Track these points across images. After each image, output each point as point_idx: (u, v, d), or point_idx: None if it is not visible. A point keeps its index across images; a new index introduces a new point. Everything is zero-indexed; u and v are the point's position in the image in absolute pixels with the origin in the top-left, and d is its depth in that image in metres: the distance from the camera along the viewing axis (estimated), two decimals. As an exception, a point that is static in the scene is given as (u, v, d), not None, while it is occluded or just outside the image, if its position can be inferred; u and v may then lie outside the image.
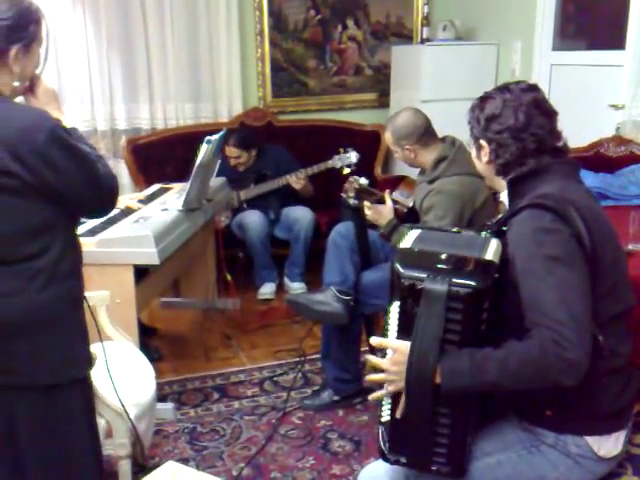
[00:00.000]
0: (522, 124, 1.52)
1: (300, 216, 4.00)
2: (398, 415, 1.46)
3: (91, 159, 1.53)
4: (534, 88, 1.58)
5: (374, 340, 1.48)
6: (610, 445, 1.47)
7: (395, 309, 1.44)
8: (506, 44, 4.28)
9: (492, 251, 1.46)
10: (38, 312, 1.50)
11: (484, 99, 1.59)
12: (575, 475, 1.48)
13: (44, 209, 1.48)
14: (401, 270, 1.42)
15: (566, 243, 1.37)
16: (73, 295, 1.59)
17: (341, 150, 2.93)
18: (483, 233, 1.58)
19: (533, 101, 1.54)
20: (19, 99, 1.59)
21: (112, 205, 1.65)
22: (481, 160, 1.62)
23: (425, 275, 1.38)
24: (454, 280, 1.36)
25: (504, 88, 1.58)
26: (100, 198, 1.58)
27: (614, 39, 3.54)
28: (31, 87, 1.61)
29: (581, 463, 1.46)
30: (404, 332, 1.42)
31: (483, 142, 1.58)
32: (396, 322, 1.45)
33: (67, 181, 1.48)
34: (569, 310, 1.32)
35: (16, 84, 1.53)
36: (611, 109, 3.46)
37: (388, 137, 2.69)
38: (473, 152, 1.66)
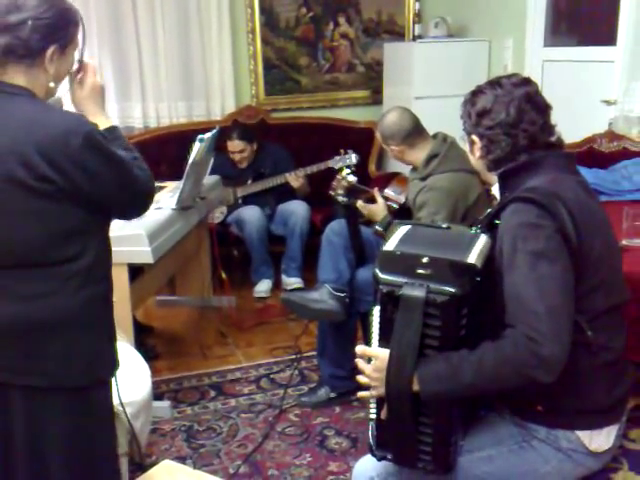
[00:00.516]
0: (513, 120, 1.51)
1: (295, 210, 4.00)
2: (382, 417, 1.47)
3: (127, 164, 1.51)
4: (527, 82, 1.56)
5: (358, 349, 1.50)
6: (601, 440, 1.48)
7: (376, 314, 1.44)
8: (498, 41, 4.30)
9: (477, 251, 1.44)
10: (73, 313, 1.50)
11: (475, 93, 1.58)
12: (566, 469, 1.49)
13: (78, 214, 1.47)
14: (380, 275, 1.41)
15: (550, 238, 1.37)
16: (106, 297, 1.59)
17: (342, 151, 2.96)
18: (474, 229, 1.58)
19: (525, 96, 1.52)
20: (63, 85, 1.58)
21: (146, 208, 1.65)
22: (474, 155, 1.62)
23: (403, 281, 1.37)
24: (432, 286, 1.35)
25: (496, 82, 1.56)
26: (134, 202, 1.58)
27: (605, 35, 3.56)
28: (80, 77, 1.60)
29: (572, 457, 1.47)
30: (385, 337, 1.42)
31: (475, 137, 1.58)
32: (377, 327, 1.45)
33: (101, 187, 1.46)
34: (547, 304, 1.32)
35: (52, 85, 1.51)
36: (603, 105, 3.48)
37: (377, 136, 2.75)
38: (467, 145, 1.66)
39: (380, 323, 1.44)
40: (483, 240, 1.50)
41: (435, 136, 2.68)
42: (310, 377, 3.11)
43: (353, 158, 3.09)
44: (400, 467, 1.52)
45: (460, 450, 1.50)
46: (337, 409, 2.84)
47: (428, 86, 4.21)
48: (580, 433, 1.46)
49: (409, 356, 1.36)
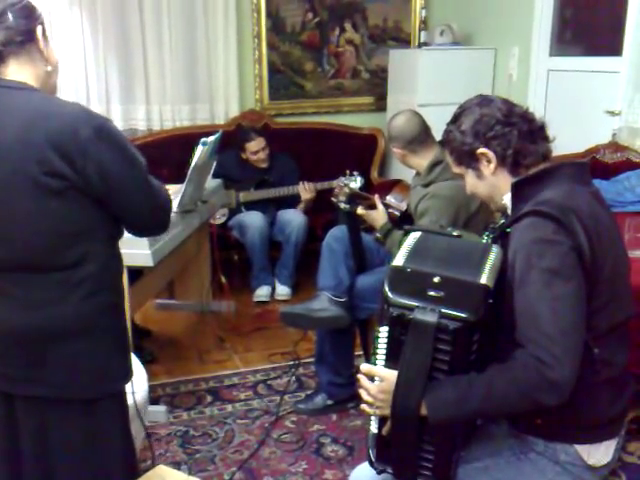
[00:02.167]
0: (506, 111, 1.51)
1: (292, 219, 4.02)
2: (384, 433, 1.45)
3: (145, 169, 1.46)
4: (487, 95, 1.59)
5: (364, 367, 1.46)
6: (600, 454, 1.46)
7: (384, 334, 1.40)
8: (503, 49, 4.29)
9: (489, 268, 1.39)
10: (80, 321, 1.45)
11: (454, 121, 1.57)
12: None
13: (86, 215, 1.41)
14: (390, 296, 1.36)
15: (566, 256, 1.34)
16: (116, 306, 1.54)
17: (347, 172, 2.94)
18: (484, 237, 1.54)
19: (500, 98, 1.55)
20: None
21: (163, 225, 1.58)
22: (485, 176, 1.54)
23: (415, 304, 1.33)
24: (444, 311, 1.31)
25: (464, 104, 1.58)
26: (150, 211, 1.50)
27: (611, 45, 3.54)
28: None
29: (570, 471, 1.45)
30: (392, 358, 1.39)
31: (482, 149, 1.51)
32: (384, 347, 1.41)
33: (116, 185, 1.41)
34: (560, 326, 1.30)
35: (49, 69, 1.48)
36: (607, 115, 3.46)
37: (386, 137, 2.73)
38: (470, 179, 1.58)
39: (387, 344, 1.40)
40: (495, 253, 1.45)
41: (440, 143, 2.66)
42: (307, 384, 3.09)
43: (358, 181, 3.07)
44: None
45: (457, 465, 1.48)
46: (334, 417, 2.82)
47: (432, 93, 4.20)
48: (579, 447, 1.44)
49: (418, 382, 1.33)
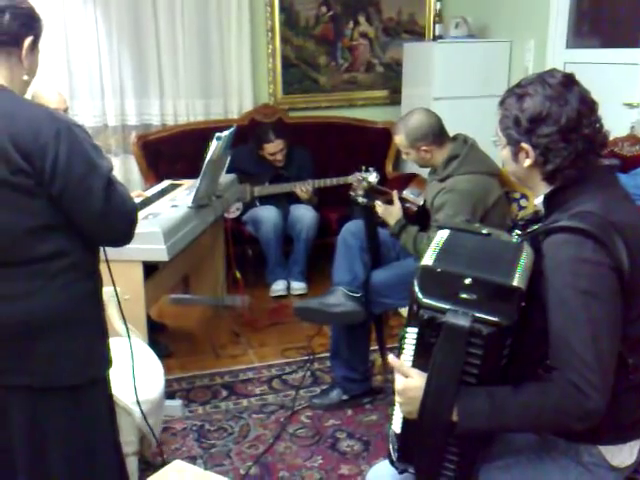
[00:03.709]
0: (573, 124, 1.36)
1: (302, 215, 4.01)
2: (397, 430, 1.44)
3: (105, 172, 1.46)
4: (573, 79, 1.41)
5: (393, 360, 1.42)
6: (624, 455, 1.43)
7: (412, 335, 1.37)
8: (519, 42, 4.24)
9: (521, 269, 1.35)
10: (59, 311, 1.49)
11: (521, 96, 1.41)
12: None
13: (55, 211, 1.44)
14: (421, 297, 1.32)
15: (604, 277, 1.29)
16: (94, 294, 1.58)
17: (362, 167, 2.91)
18: (515, 237, 1.48)
19: (579, 97, 1.38)
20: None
21: (122, 235, 1.55)
22: (520, 163, 1.45)
23: (447, 307, 1.30)
24: (477, 315, 1.27)
25: (540, 81, 1.40)
26: (104, 218, 1.47)
27: (629, 37, 3.50)
28: None
29: (593, 471, 1.43)
30: (421, 360, 1.36)
31: (526, 145, 1.41)
32: (412, 348, 1.38)
33: (68, 186, 1.41)
34: (597, 351, 1.26)
35: (26, 78, 1.52)
36: (625, 108, 3.42)
37: (401, 140, 2.63)
38: (505, 154, 1.50)
39: (416, 346, 1.37)
40: (526, 252, 1.40)
41: (455, 137, 2.63)
42: (322, 379, 3.08)
43: (373, 177, 3.05)
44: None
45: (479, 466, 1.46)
46: (349, 412, 2.82)
47: (448, 87, 4.17)
48: (602, 448, 1.42)
49: (450, 388, 1.30)
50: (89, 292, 1.55)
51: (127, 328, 1.97)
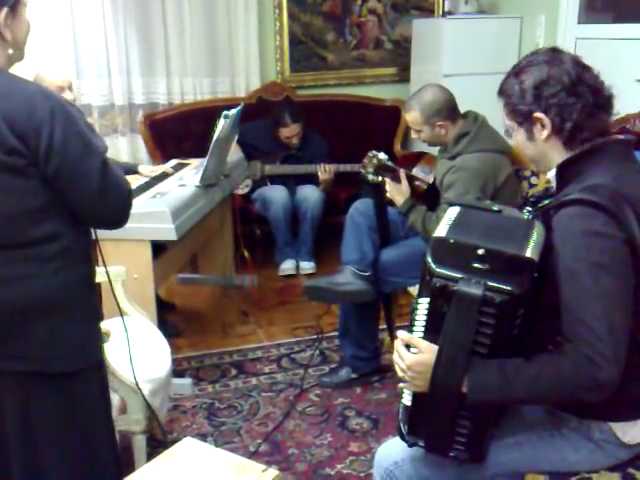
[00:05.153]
0: (576, 77, 1.38)
1: (308, 195, 4.00)
2: (408, 403, 1.44)
3: (99, 151, 1.42)
4: (559, 48, 1.47)
5: (403, 335, 1.42)
6: (636, 431, 1.43)
7: (423, 306, 1.37)
8: (530, 17, 4.18)
9: (533, 243, 1.35)
10: (54, 296, 1.46)
11: (517, 74, 1.44)
12: (597, 459, 1.45)
13: (49, 192, 1.40)
14: (433, 267, 1.32)
15: (617, 250, 1.28)
16: (88, 279, 1.54)
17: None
18: (525, 214, 1.48)
19: (571, 57, 1.42)
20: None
21: (117, 216, 1.50)
22: (536, 140, 1.44)
23: (459, 276, 1.29)
24: (490, 284, 1.27)
25: (530, 56, 1.45)
26: (100, 198, 1.43)
27: (643, 11, 3.44)
28: None
29: (604, 447, 1.43)
30: (432, 331, 1.36)
31: (539, 114, 1.41)
32: (424, 319, 1.38)
33: (64, 165, 1.37)
34: (609, 323, 1.25)
35: (11, 52, 1.44)
36: (638, 84, 3.37)
37: (415, 116, 2.58)
38: (520, 138, 1.49)
39: (427, 316, 1.37)
40: (538, 228, 1.40)
41: (466, 114, 2.60)
42: (331, 357, 3.09)
43: (383, 154, 3.03)
44: (428, 453, 1.49)
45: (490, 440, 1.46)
46: (358, 390, 2.82)
47: (458, 64, 4.12)
48: (613, 424, 1.41)
49: (460, 358, 1.30)
50: (83, 277, 1.51)
51: (120, 308, 1.94)
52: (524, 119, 1.45)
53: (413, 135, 2.71)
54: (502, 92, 1.49)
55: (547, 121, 1.41)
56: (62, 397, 1.53)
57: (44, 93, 1.39)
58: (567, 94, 1.38)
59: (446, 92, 2.60)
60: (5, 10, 1.39)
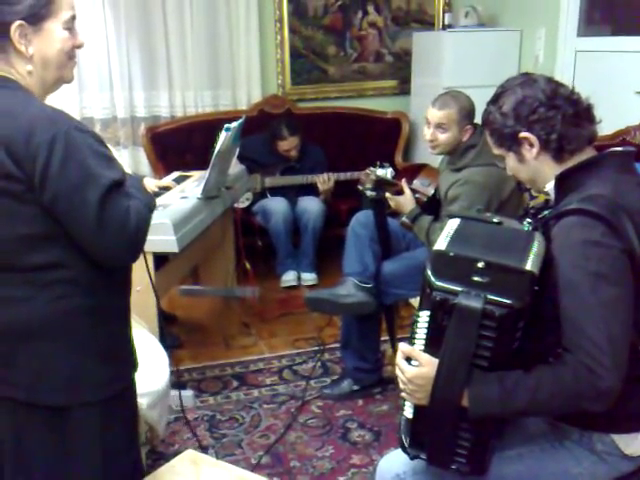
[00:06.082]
0: (550, 92, 1.43)
1: (309, 206, 4.01)
2: (409, 416, 1.43)
3: (102, 183, 1.31)
4: (530, 73, 1.52)
5: (403, 347, 1.42)
6: (638, 443, 1.43)
7: (424, 318, 1.37)
8: (530, 30, 4.21)
9: (533, 255, 1.35)
10: (45, 323, 1.37)
11: (494, 101, 1.50)
12: (599, 471, 1.45)
13: (50, 220, 1.32)
14: (433, 280, 1.32)
15: (615, 260, 1.29)
16: (93, 312, 1.42)
17: (377, 163, 2.89)
18: (526, 225, 1.48)
19: (543, 77, 1.48)
20: None
21: (122, 253, 1.38)
22: (527, 160, 1.48)
23: (459, 289, 1.30)
24: (490, 297, 1.27)
25: (506, 82, 1.51)
26: (99, 232, 1.32)
27: (641, 24, 3.46)
28: None
29: (606, 460, 1.43)
30: (433, 344, 1.36)
31: (524, 133, 1.45)
32: (424, 332, 1.38)
33: (59, 196, 1.28)
34: (608, 333, 1.26)
35: (29, 68, 1.35)
36: (637, 96, 3.39)
37: (452, 114, 2.51)
38: (511, 162, 1.52)
39: (428, 329, 1.37)
40: (538, 240, 1.40)
41: (475, 126, 2.58)
42: (333, 369, 3.09)
43: (388, 173, 3.05)
44: (430, 466, 1.49)
45: (492, 453, 1.46)
46: (360, 402, 2.82)
47: (458, 76, 4.14)
48: (615, 436, 1.41)
49: (461, 371, 1.30)
50: (86, 308, 1.40)
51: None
52: (512, 142, 1.49)
53: (428, 136, 2.59)
54: (485, 123, 1.54)
55: (534, 138, 1.46)
56: (51, 433, 1.43)
57: (51, 118, 1.30)
58: (546, 108, 1.43)
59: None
60: (17, 23, 1.32)
